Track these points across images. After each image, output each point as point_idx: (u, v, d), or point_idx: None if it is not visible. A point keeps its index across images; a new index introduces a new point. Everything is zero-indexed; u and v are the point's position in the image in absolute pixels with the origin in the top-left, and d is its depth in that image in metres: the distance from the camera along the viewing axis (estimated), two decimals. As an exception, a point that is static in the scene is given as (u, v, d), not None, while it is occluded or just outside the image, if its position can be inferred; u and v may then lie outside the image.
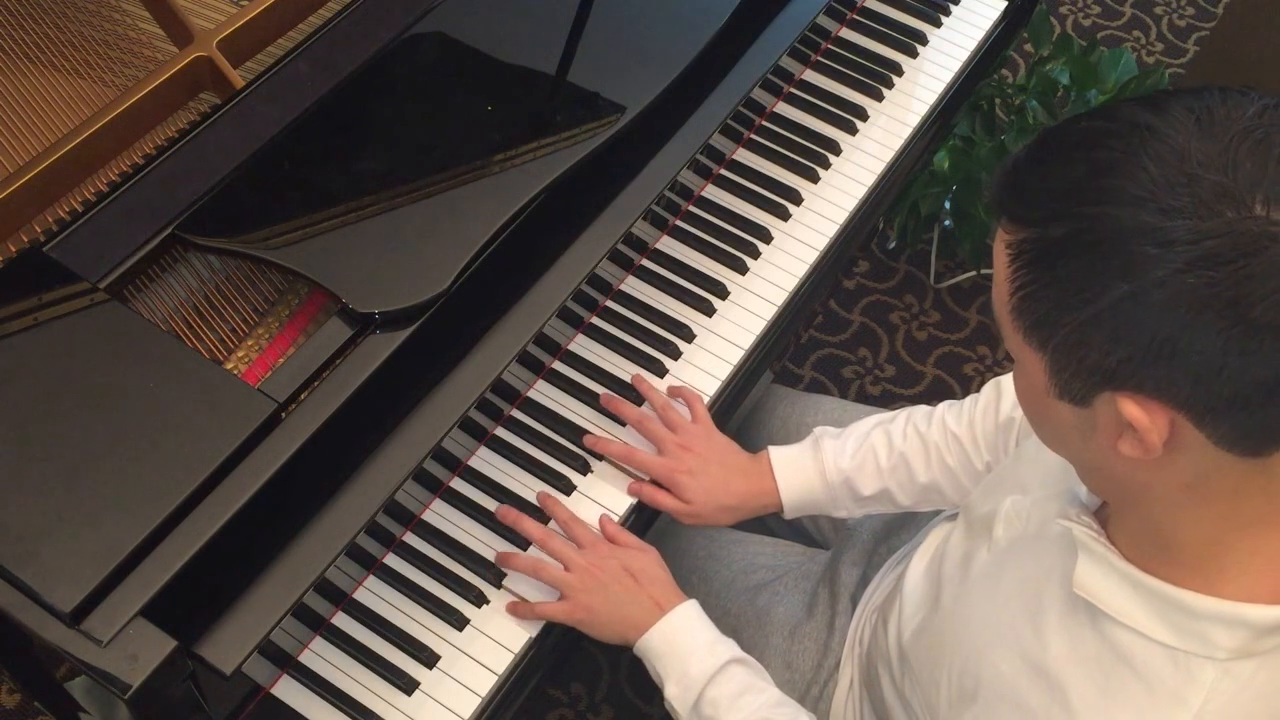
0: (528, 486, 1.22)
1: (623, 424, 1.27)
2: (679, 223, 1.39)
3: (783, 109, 1.50)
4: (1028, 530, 0.98)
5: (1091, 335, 0.71)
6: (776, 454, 1.27)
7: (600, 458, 1.25)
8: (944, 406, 1.26)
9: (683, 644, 1.13)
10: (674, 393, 1.28)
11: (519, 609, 1.15)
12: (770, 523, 1.52)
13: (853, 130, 1.50)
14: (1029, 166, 0.74)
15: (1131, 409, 0.71)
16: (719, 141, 1.39)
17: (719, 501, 1.24)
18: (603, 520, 1.20)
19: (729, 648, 1.13)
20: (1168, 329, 0.67)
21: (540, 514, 1.20)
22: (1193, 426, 0.71)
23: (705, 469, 1.23)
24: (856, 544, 1.35)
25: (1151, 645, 0.81)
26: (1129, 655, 0.82)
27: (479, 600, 1.15)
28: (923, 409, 1.27)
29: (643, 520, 1.25)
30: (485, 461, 1.22)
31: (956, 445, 1.22)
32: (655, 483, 1.24)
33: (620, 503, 1.23)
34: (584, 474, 1.24)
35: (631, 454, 1.23)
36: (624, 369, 1.30)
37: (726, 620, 1.33)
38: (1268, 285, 0.65)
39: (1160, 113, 0.69)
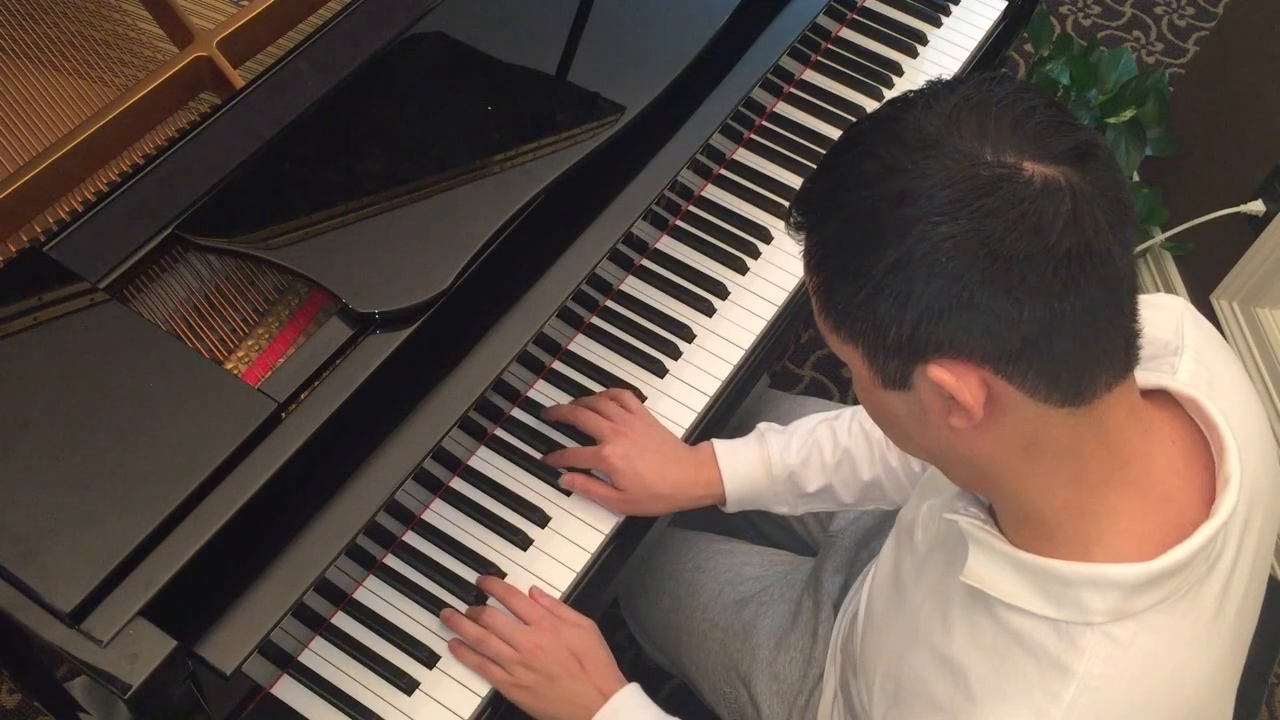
0: (528, 486, 1.22)
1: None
2: (679, 223, 1.39)
3: (783, 109, 1.50)
4: (939, 532, 0.99)
5: (882, 309, 0.75)
6: (721, 445, 1.25)
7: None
8: None
9: None
10: (609, 396, 1.26)
11: (467, 659, 1.12)
12: (762, 526, 1.52)
13: (853, 130, 1.49)
14: (807, 185, 0.81)
15: (941, 374, 0.75)
16: (719, 141, 1.38)
17: (652, 490, 1.21)
18: (533, 591, 1.16)
19: None
20: (940, 281, 0.72)
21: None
22: (1004, 382, 0.75)
23: (641, 455, 1.21)
24: (839, 551, 1.33)
25: (1038, 621, 0.83)
26: (1019, 634, 0.84)
27: (479, 600, 1.15)
28: None
29: (630, 539, 1.24)
30: (485, 461, 1.22)
31: None
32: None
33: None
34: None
35: (562, 453, 1.22)
36: (624, 369, 1.30)
37: (714, 634, 1.32)
38: (1008, 218, 0.71)
39: (897, 106, 0.78)
